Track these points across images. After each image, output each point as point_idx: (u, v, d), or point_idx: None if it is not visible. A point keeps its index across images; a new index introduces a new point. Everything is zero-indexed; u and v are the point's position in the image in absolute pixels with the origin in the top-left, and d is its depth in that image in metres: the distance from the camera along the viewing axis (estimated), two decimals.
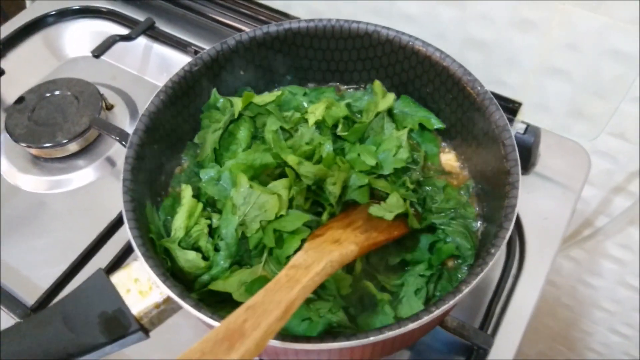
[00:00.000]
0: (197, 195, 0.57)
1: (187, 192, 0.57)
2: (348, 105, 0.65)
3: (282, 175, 0.56)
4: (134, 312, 0.47)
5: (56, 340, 0.45)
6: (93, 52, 0.86)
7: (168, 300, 0.48)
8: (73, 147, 0.79)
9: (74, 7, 0.96)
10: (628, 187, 0.85)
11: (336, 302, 0.51)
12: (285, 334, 0.44)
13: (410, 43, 0.61)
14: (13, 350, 0.45)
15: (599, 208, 0.92)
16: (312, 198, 0.56)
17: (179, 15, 0.94)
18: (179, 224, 0.54)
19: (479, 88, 0.57)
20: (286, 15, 0.86)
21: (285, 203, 0.53)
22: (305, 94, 0.67)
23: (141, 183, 0.54)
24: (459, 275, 0.55)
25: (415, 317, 0.44)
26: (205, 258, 0.53)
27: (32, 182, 0.78)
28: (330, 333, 0.48)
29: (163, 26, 0.92)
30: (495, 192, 0.54)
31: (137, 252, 0.48)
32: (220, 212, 0.56)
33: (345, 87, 0.69)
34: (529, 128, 0.72)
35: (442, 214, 0.58)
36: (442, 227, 0.57)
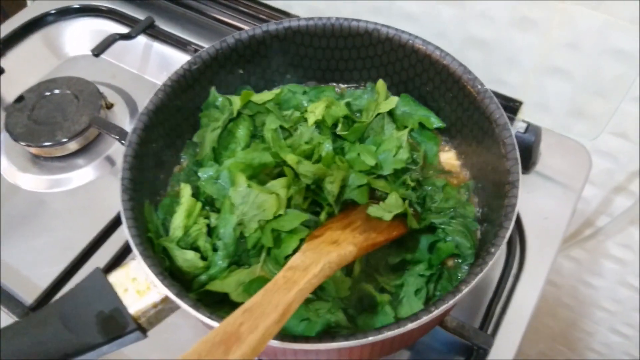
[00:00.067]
0: (196, 194, 0.57)
1: (186, 191, 0.56)
2: (348, 104, 0.64)
3: (281, 174, 0.56)
4: (131, 312, 0.47)
5: (54, 339, 0.45)
6: (93, 50, 0.86)
7: (166, 299, 0.48)
8: (73, 146, 0.78)
9: (74, 6, 0.96)
10: (629, 186, 0.85)
11: (335, 302, 0.50)
12: (284, 334, 0.44)
13: (410, 41, 0.61)
14: (11, 349, 0.45)
15: (599, 208, 0.91)
16: (311, 197, 0.56)
17: (178, 13, 0.94)
18: (177, 223, 0.54)
19: (479, 86, 0.57)
20: (286, 14, 0.86)
21: (284, 202, 0.53)
22: (304, 93, 0.67)
23: (140, 182, 0.54)
24: (459, 275, 0.55)
25: (414, 317, 0.44)
26: (203, 258, 0.53)
27: (31, 181, 0.78)
28: (328, 333, 0.48)
29: (163, 25, 0.92)
30: (495, 191, 0.54)
31: (134, 251, 0.47)
32: (219, 211, 0.55)
33: (345, 85, 0.69)
34: (529, 127, 0.72)
35: (442, 213, 0.58)
36: (442, 226, 0.57)
